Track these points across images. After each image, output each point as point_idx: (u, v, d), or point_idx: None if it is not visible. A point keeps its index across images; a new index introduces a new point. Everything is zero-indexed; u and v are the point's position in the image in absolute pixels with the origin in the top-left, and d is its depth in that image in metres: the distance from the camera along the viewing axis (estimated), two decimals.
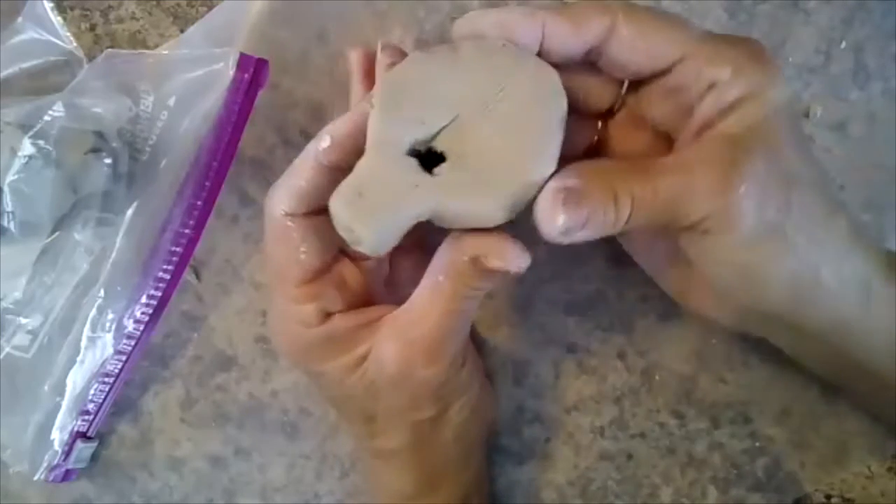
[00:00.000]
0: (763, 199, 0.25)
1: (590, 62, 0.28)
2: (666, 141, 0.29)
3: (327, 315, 0.28)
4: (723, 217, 0.25)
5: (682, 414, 0.36)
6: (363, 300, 0.30)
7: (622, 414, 0.36)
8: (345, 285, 0.29)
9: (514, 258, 0.26)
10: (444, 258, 0.27)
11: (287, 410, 0.37)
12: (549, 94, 0.26)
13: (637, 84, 0.28)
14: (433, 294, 0.27)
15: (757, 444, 0.36)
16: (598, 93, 0.29)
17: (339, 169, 0.26)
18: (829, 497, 0.36)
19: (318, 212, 0.27)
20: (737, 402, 0.36)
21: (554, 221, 0.24)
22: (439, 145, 0.26)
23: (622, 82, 0.29)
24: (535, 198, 0.25)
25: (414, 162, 0.25)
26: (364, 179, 0.25)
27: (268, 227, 0.28)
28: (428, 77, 0.26)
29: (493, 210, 0.25)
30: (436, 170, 0.26)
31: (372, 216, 0.24)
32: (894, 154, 0.35)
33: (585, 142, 0.31)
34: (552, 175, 0.25)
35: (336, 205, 0.24)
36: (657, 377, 0.36)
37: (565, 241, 0.25)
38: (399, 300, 0.28)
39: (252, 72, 0.33)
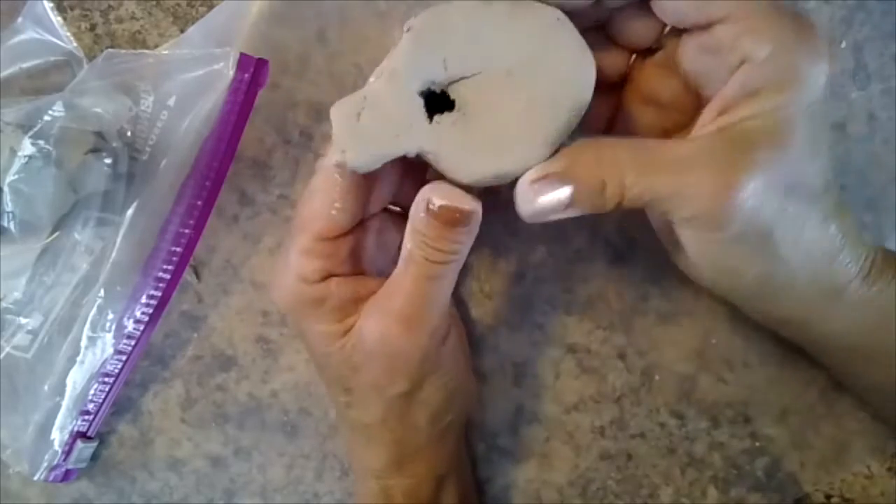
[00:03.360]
0: (756, 208, 0.25)
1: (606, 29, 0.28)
2: (694, 95, 0.28)
3: (327, 276, 0.28)
4: (711, 219, 0.25)
5: (682, 414, 0.36)
6: (370, 273, 0.30)
7: (622, 414, 0.36)
8: (358, 253, 0.29)
9: (457, 198, 0.26)
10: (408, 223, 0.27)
11: (287, 410, 0.37)
12: (576, 85, 0.26)
13: (678, 31, 0.28)
14: (405, 263, 0.27)
15: (757, 444, 0.36)
16: (612, 61, 0.29)
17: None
18: (829, 497, 0.36)
19: (367, 178, 0.28)
20: (737, 402, 0.36)
21: (526, 205, 0.26)
22: (453, 93, 0.26)
23: (630, 54, 0.29)
24: (518, 176, 0.26)
25: (420, 102, 0.26)
26: (368, 101, 0.25)
27: (317, 174, 0.28)
28: (470, 24, 0.26)
29: (476, 177, 0.26)
30: (437, 117, 0.26)
31: (361, 141, 0.25)
32: (894, 154, 0.35)
33: (605, 111, 0.31)
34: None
35: (335, 114, 0.25)
36: (657, 377, 0.36)
37: (540, 220, 0.26)
38: None
39: (252, 72, 0.34)
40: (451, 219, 0.26)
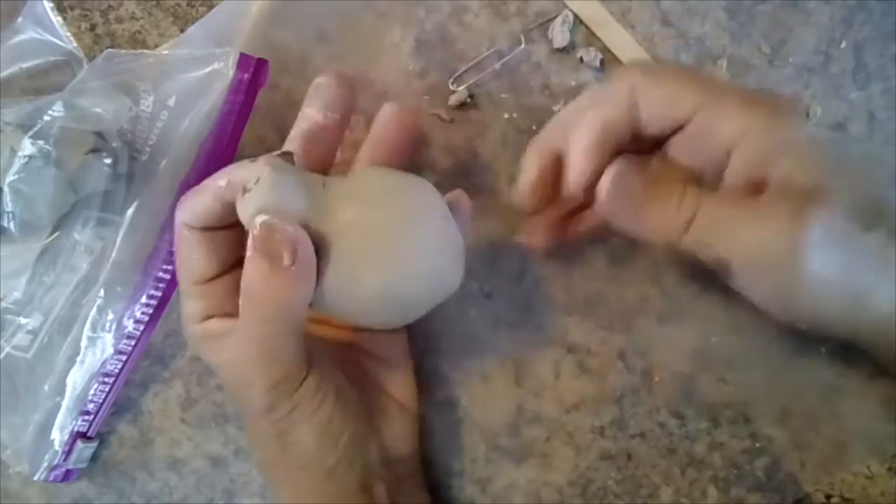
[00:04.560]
0: (825, 242, 0.27)
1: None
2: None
3: (208, 317, 0.31)
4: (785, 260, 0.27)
5: (682, 414, 0.36)
6: None
7: (622, 414, 0.36)
8: (234, 293, 0.30)
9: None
10: None
11: None
12: (440, 279, 0.29)
13: (668, 139, 0.30)
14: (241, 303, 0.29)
15: (757, 444, 0.36)
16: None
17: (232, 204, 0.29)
18: (829, 497, 0.36)
19: (213, 229, 0.30)
20: (737, 402, 0.36)
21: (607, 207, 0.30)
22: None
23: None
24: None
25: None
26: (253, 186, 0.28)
27: (175, 234, 0.31)
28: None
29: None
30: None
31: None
32: (894, 154, 0.35)
33: None
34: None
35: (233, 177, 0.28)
36: (657, 377, 0.36)
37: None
38: None
39: (252, 72, 0.34)
40: (273, 254, 0.27)
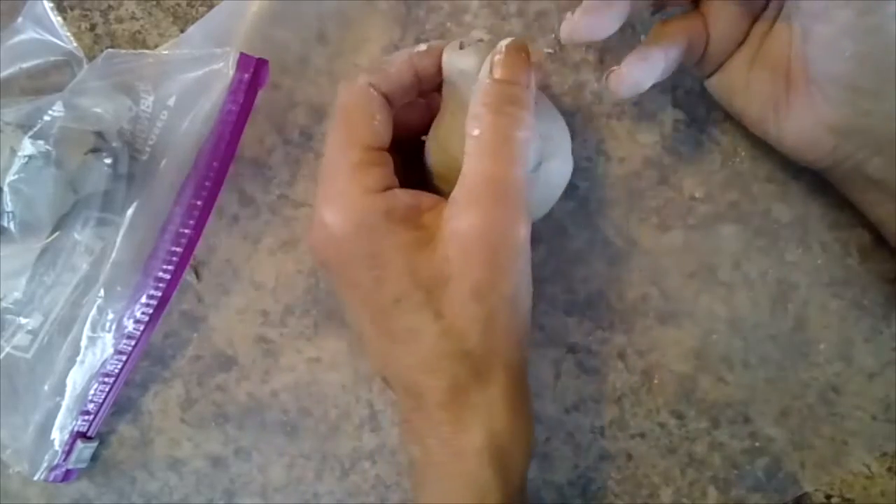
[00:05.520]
0: None
1: None
2: None
3: (388, 187, 0.28)
4: None
5: (682, 414, 0.36)
6: None
7: (622, 414, 0.36)
8: (397, 172, 0.29)
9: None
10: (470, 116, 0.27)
11: (287, 410, 0.37)
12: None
13: None
14: (479, 152, 0.27)
15: (757, 444, 0.36)
16: None
17: (422, 77, 0.29)
18: (829, 497, 0.36)
19: (390, 103, 0.29)
20: (737, 402, 0.36)
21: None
22: None
23: None
24: None
25: None
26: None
27: (346, 95, 0.29)
28: None
29: None
30: None
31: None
32: None
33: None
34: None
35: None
36: (657, 377, 0.36)
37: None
38: None
39: (252, 72, 0.34)
40: (514, 74, 0.27)
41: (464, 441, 0.27)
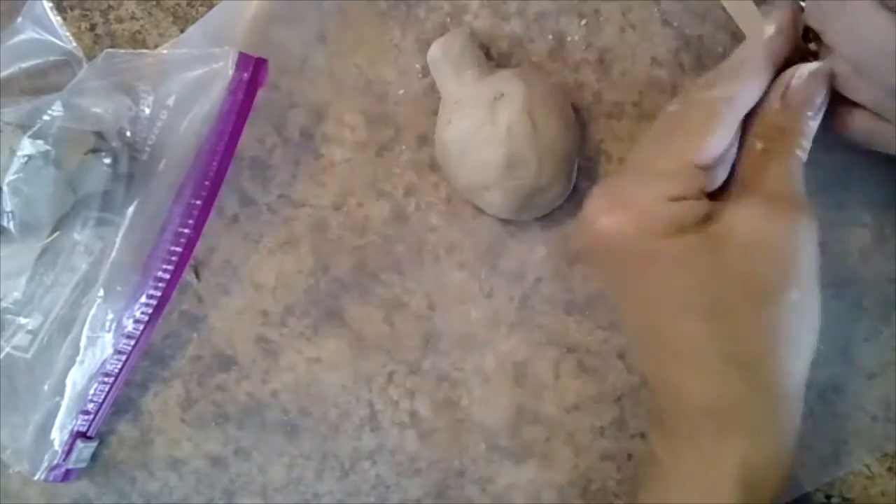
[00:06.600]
0: None
1: None
2: None
3: (681, 198, 0.28)
4: None
5: None
6: None
7: (622, 414, 0.36)
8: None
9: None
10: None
11: (287, 410, 0.37)
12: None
13: None
14: (760, 155, 0.28)
15: None
16: None
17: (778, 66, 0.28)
18: (829, 497, 0.36)
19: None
20: None
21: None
22: None
23: None
24: None
25: None
26: None
27: (701, 103, 0.29)
28: None
29: None
30: None
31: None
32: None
33: None
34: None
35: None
36: None
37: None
38: None
39: (252, 71, 0.34)
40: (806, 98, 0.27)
41: (721, 456, 0.27)
